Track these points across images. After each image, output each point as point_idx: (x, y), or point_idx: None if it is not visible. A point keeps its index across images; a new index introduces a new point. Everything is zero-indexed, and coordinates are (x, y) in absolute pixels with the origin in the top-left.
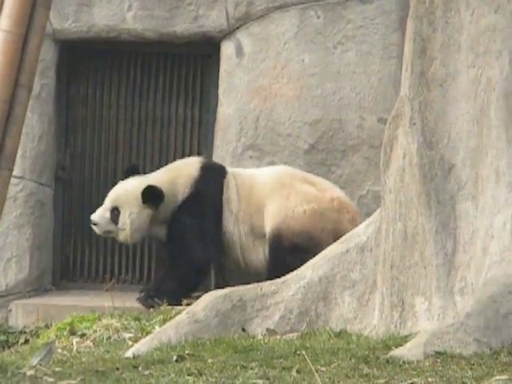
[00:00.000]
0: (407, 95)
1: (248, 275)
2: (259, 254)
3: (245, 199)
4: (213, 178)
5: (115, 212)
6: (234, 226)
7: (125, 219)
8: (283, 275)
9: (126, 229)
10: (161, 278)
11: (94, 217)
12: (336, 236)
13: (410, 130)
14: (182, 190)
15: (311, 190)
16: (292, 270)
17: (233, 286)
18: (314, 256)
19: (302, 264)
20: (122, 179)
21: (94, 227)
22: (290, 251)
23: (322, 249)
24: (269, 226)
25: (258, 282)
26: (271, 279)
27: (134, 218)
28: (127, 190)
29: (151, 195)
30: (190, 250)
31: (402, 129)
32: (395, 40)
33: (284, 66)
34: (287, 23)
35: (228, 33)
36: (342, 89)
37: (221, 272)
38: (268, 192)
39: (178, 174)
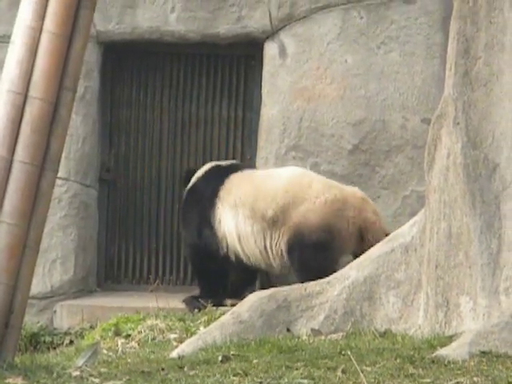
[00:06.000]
0: (451, 95)
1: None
2: (257, 241)
3: (248, 187)
4: (214, 174)
5: None
6: (227, 212)
7: None
8: (312, 276)
9: None
10: None
11: None
12: (358, 223)
13: (454, 129)
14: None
15: (332, 181)
16: (317, 269)
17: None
18: (334, 249)
19: (324, 260)
20: (183, 184)
21: None
22: (311, 249)
23: (343, 239)
24: (288, 219)
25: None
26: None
27: None
28: None
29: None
30: (184, 239)
31: (445, 128)
32: (438, 40)
33: (327, 66)
34: (330, 24)
35: (271, 34)
36: (385, 89)
37: (266, 273)
38: (285, 182)
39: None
